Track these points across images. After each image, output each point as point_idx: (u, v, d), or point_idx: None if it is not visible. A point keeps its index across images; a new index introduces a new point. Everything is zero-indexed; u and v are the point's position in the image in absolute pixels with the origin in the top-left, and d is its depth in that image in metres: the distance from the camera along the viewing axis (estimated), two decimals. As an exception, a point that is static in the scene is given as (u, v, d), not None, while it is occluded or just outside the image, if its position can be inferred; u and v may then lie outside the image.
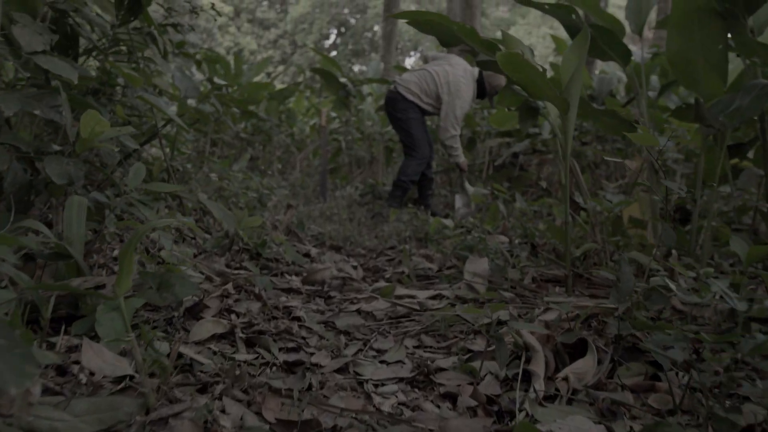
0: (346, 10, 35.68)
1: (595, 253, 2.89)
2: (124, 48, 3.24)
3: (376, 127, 7.34)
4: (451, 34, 2.94)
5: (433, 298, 2.28)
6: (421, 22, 2.87)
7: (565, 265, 2.55)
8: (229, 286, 2.03)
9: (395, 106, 5.40)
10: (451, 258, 2.92)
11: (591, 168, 6.55)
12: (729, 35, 2.47)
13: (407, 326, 1.95)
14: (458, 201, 5.55)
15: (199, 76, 9.44)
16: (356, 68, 34.88)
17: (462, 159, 5.48)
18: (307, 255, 3.04)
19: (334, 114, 8.24)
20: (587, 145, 6.65)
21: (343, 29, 36.60)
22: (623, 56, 2.96)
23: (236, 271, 2.29)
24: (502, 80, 5.43)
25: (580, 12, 2.97)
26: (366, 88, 7.50)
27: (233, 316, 1.88)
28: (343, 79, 7.05)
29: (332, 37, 36.93)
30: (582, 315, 1.64)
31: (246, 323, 1.83)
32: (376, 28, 34.81)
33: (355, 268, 2.79)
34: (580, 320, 1.64)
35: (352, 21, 36.13)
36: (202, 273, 2.21)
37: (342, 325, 1.92)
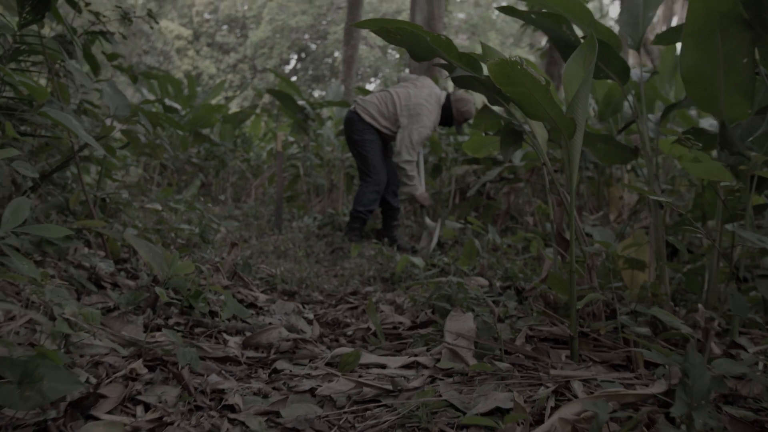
0: (306, 36, 35.36)
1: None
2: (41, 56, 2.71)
3: (336, 153, 6.87)
4: (423, 46, 2.49)
5: (408, 367, 1.79)
6: (390, 30, 2.41)
7: (567, 323, 2.10)
8: (138, 365, 1.50)
9: (352, 128, 4.96)
10: (426, 309, 2.44)
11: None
12: (756, 48, 2.08)
13: (377, 416, 1.46)
14: (423, 239, 5.09)
15: (143, 95, 8.88)
16: (316, 93, 34.51)
17: (419, 190, 5.05)
18: (253, 305, 2.52)
19: (292, 139, 7.75)
20: (558, 173, 6.27)
21: (303, 54, 36.25)
22: (621, 73, 2.54)
23: (155, 337, 1.77)
24: (471, 107, 5.02)
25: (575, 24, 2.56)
26: (326, 112, 7.04)
27: (139, 409, 1.36)
28: (301, 102, 6.59)
29: (292, 62, 36.53)
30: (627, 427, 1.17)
31: (156, 421, 1.31)
32: (337, 54, 34.53)
33: (310, 322, 2.29)
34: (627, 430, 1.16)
35: (313, 47, 35.82)
36: (113, 340, 1.68)
37: (290, 418, 1.42)
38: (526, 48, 27.65)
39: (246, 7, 35.10)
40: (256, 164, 8.53)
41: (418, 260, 3.26)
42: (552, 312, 2.65)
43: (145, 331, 1.85)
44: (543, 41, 11.03)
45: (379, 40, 32.57)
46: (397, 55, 33.66)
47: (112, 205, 3.17)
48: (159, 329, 1.93)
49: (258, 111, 8.75)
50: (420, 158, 5.11)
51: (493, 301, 2.66)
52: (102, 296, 2.17)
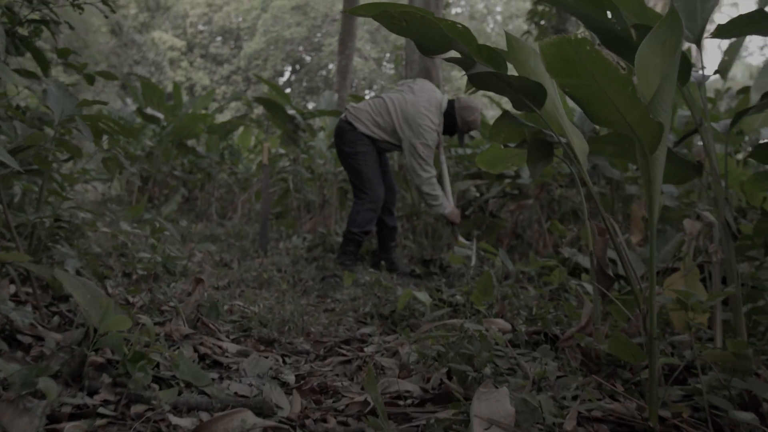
0: (301, 48, 34.93)
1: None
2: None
3: (328, 166, 6.33)
4: (435, 35, 1.98)
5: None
6: (394, 16, 1.88)
7: (636, 403, 1.56)
8: None
9: (343, 138, 4.42)
10: (440, 369, 1.89)
11: (571, 219, 5.66)
12: None
13: None
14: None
15: (125, 105, 8.33)
16: (310, 105, 34.02)
17: (447, 208, 4.48)
18: (217, 363, 1.97)
19: (282, 151, 7.21)
20: (563, 188, 5.77)
21: (297, 66, 35.82)
22: (680, 72, 2.02)
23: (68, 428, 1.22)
24: (478, 117, 4.49)
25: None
26: (318, 122, 6.51)
27: None
28: (291, 111, 6.06)
29: (287, 74, 36.09)
30: None
31: None
32: (331, 66, 34.08)
33: (289, 392, 1.74)
34: None
35: (307, 59, 35.40)
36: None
37: None
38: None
39: (240, 19, 34.67)
40: (244, 177, 7.99)
41: (422, 296, 2.71)
42: (591, 362, 2.12)
43: (48, 423, 1.29)
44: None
45: (374, 52, 32.15)
46: (392, 69, 33.27)
47: (58, 230, 2.61)
48: (75, 415, 1.38)
49: (247, 121, 8.21)
50: (443, 168, 4.58)
51: (519, 353, 2.12)
52: (8, 358, 1.62)
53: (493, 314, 2.60)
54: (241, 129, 8.94)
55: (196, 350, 2.00)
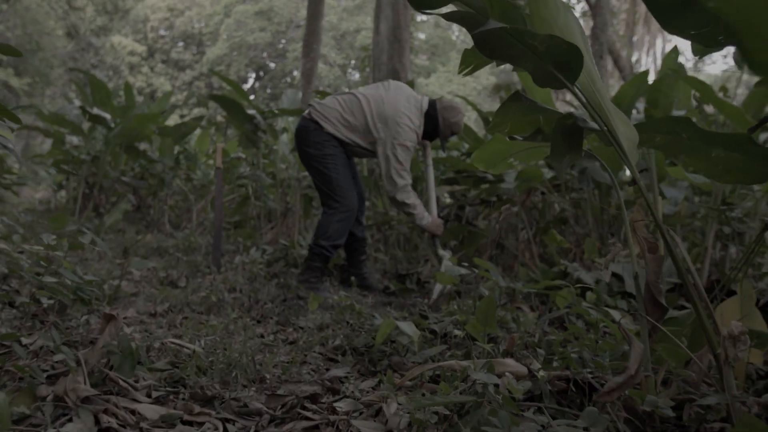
0: (265, 54, 34.18)
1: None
2: None
3: (291, 171, 5.74)
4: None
5: None
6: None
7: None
8: None
9: (307, 139, 3.81)
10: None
11: (572, 228, 5.16)
12: None
13: None
14: (437, 289, 3.98)
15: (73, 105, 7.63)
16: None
17: (426, 219, 3.90)
18: (125, 443, 1.36)
19: (243, 155, 6.58)
20: (547, 195, 5.27)
21: (261, 73, 35.05)
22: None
23: None
24: (461, 118, 3.94)
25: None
26: (280, 123, 5.90)
27: None
28: (251, 111, 5.44)
29: (250, 81, 35.27)
30: None
31: None
32: (296, 72, 33.39)
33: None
34: None
35: (272, 65, 34.67)
36: None
37: None
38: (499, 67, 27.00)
39: (203, 24, 33.80)
40: (201, 184, 7.33)
41: (408, 327, 2.14)
42: (641, 423, 1.58)
43: None
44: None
45: (339, 58, 31.59)
46: (358, 75, 32.70)
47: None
48: None
49: (204, 123, 7.56)
50: (429, 174, 4.00)
51: (538, 407, 1.56)
52: None
53: (500, 352, 2.04)
54: (198, 132, 8.29)
55: (97, 420, 1.39)
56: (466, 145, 5.64)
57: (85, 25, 22.46)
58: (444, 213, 5.91)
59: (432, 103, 3.93)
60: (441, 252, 3.90)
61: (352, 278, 4.06)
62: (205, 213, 6.32)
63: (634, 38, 22.35)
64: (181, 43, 34.53)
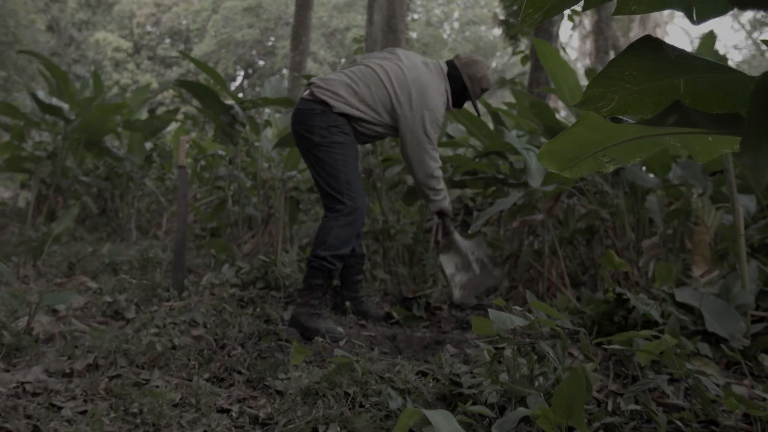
0: (254, 52, 33.23)
1: None
2: None
3: (275, 170, 4.91)
4: None
5: None
6: None
7: None
8: None
9: (311, 124, 2.96)
10: None
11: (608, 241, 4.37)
12: None
13: None
14: (448, 265, 3.26)
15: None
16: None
17: (446, 203, 3.23)
18: None
19: (222, 152, 5.73)
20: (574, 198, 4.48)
21: (250, 71, 34.10)
22: None
23: None
24: (488, 71, 3.22)
25: None
26: (264, 114, 5.06)
27: None
28: (229, 101, 4.61)
29: (239, 79, 34.31)
30: None
31: None
32: (285, 71, 32.46)
33: None
34: None
35: (261, 63, 33.72)
36: None
37: None
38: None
39: (190, 20, 32.80)
40: (175, 185, 6.48)
41: (442, 419, 1.33)
42: None
43: None
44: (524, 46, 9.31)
45: (329, 56, 30.71)
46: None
47: None
48: None
49: (180, 117, 6.71)
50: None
51: None
52: None
53: None
54: (174, 127, 7.44)
55: None
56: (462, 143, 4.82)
57: (66, 18, 21.44)
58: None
59: (450, 64, 3.22)
60: (458, 238, 3.30)
61: (347, 303, 3.24)
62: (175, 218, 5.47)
63: (631, 34, 21.65)
64: (168, 40, 33.51)
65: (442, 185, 3.16)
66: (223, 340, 2.48)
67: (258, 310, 3.02)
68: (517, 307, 1.90)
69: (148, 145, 6.64)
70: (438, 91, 3.02)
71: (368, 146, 4.34)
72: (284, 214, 4.79)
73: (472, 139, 4.88)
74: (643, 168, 4.17)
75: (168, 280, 3.38)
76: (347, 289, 3.35)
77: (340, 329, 2.79)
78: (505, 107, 5.57)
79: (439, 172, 3.11)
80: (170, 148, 7.24)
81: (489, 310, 1.78)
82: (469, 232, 3.34)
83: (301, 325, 2.80)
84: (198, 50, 31.33)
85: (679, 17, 31.60)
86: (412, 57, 3.11)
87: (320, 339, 2.64)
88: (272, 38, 32.73)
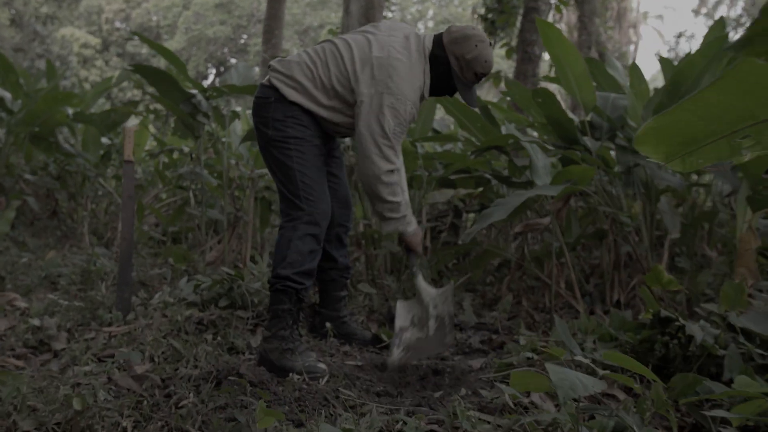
0: (225, 49, 32.39)
1: None
2: None
3: (244, 168, 4.33)
4: None
5: None
6: None
7: None
8: None
9: (265, 115, 2.42)
10: None
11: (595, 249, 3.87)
12: None
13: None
14: (402, 316, 2.61)
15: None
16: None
17: (412, 226, 2.57)
18: None
19: (187, 148, 5.13)
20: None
21: (222, 69, 33.25)
22: None
23: None
24: (484, 49, 2.49)
25: None
26: (231, 104, 4.47)
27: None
28: (192, 90, 4.03)
29: (211, 77, 33.44)
30: None
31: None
32: (257, 69, 31.72)
33: None
34: None
35: (233, 60, 32.88)
36: None
37: None
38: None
39: (160, 16, 31.85)
40: (135, 185, 5.86)
41: None
42: None
43: None
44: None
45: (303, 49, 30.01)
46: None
47: None
48: None
49: (141, 109, 6.08)
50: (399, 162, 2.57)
51: None
52: None
53: None
54: (135, 121, 6.79)
55: None
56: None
57: (29, 12, 20.47)
58: (433, 224, 4.59)
59: (437, 40, 2.51)
60: (421, 283, 2.59)
61: (327, 325, 2.69)
62: (137, 222, 4.85)
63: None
64: (137, 36, 32.52)
65: (398, 198, 2.45)
66: (172, 383, 1.91)
67: (219, 336, 2.45)
68: (581, 357, 1.36)
69: (106, 141, 6.01)
70: (411, 75, 2.39)
71: (348, 140, 3.79)
72: (253, 217, 4.22)
73: (464, 133, 4.36)
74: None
75: (113, 297, 2.79)
76: (328, 307, 2.80)
77: (321, 365, 2.24)
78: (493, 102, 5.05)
79: (391, 178, 2.40)
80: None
81: (548, 366, 1.23)
82: (460, 240, 2.75)
83: (271, 363, 2.24)
84: (168, 47, 30.43)
85: (652, 18, 31.56)
86: (396, 30, 2.50)
87: (296, 376, 2.10)
88: (244, 36, 31.95)
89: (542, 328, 3.25)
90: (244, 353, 2.43)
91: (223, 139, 4.42)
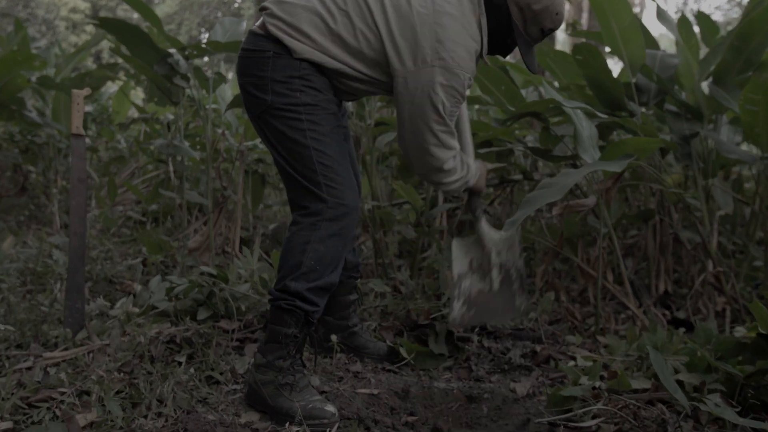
0: (219, 13, 31.33)
1: None
2: None
3: (232, 139, 3.72)
4: None
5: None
6: None
7: None
8: None
9: (260, 74, 1.77)
10: None
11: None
12: None
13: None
14: (459, 258, 2.15)
15: None
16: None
17: (472, 177, 2.08)
18: None
19: (171, 116, 4.50)
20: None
21: (215, 33, 32.20)
22: None
23: None
24: (559, 3, 1.89)
25: None
26: (217, 65, 3.82)
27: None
28: (171, 50, 3.39)
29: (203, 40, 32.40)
30: None
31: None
32: (245, 24, 30.61)
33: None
34: None
35: (226, 25, 31.83)
36: None
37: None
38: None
39: (150, -21, 30.69)
40: (112, 158, 5.24)
41: None
42: None
43: None
44: None
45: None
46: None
47: None
48: None
49: (118, 73, 5.43)
50: (463, 108, 2.07)
51: None
52: None
53: None
54: (114, 88, 6.15)
55: None
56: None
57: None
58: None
59: None
60: (484, 227, 2.18)
61: (333, 337, 2.12)
62: (111, 200, 4.24)
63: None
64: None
65: (457, 175, 1.97)
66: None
67: (196, 360, 1.89)
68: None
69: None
70: (466, 34, 1.78)
71: (351, 105, 3.18)
72: (243, 195, 3.64)
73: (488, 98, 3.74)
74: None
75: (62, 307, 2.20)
76: (334, 314, 2.22)
77: (329, 407, 1.67)
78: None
79: (451, 163, 1.91)
80: (110, 113, 5.96)
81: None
82: (503, 231, 2.20)
83: (264, 402, 1.68)
84: (159, 12, 29.35)
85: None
86: None
87: (295, 428, 1.54)
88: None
89: (588, 329, 2.71)
90: (227, 384, 1.87)
91: (208, 106, 3.78)
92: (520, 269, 2.27)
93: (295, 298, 1.72)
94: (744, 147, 3.92)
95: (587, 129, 2.68)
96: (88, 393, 1.61)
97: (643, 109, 3.12)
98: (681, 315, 3.02)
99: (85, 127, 5.06)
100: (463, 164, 1.98)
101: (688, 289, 3.33)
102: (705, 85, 3.13)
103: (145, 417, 1.53)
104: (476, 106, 4.05)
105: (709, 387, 1.61)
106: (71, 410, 1.52)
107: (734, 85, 2.90)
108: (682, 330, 2.33)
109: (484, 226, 2.20)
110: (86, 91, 2.11)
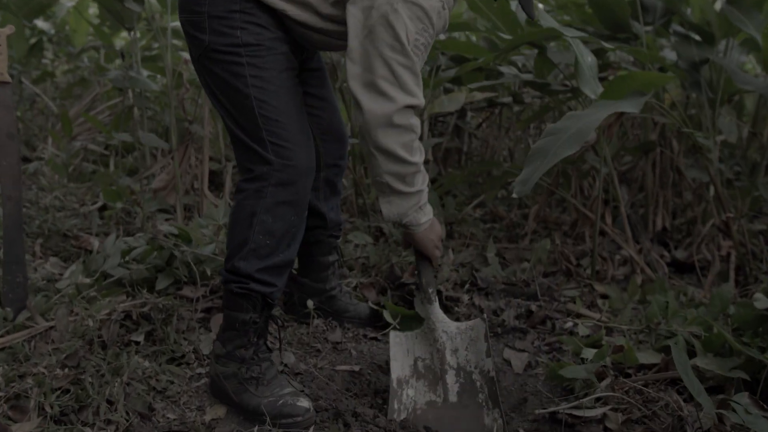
0: None
1: None
2: None
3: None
4: None
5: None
6: None
7: None
8: None
9: (196, 11, 1.45)
10: None
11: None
12: None
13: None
14: (399, 361, 1.63)
15: None
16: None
17: (424, 216, 1.58)
18: None
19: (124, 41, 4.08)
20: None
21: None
22: None
23: None
24: None
25: None
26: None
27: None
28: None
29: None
30: None
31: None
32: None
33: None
34: None
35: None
36: None
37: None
38: None
39: None
40: (71, 83, 4.84)
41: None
42: None
43: None
44: None
45: None
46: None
47: None
48: None
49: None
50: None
51: None
52: None
53: None
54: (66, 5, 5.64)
55: None
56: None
57: None
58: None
59: None
60: (433, 309, 1.65)
61: (310, 303, 1.91)
62: (67, 134, 3.88)
63: None
64: None
65: (416, 158, 1.50)
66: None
67: (155, 338, 1.67)
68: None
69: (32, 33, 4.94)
70: None
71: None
72: (213, 125, 3.33)
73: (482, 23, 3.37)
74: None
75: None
76: (311, 276, 1.99)
77: (302, 402, 1.47)
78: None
79: (408, 120, 1.45)
80: (68, 33, 5.50)
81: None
82: (514, 194, 1.76)
83: (228, 397, 1.48)
84: None
85: None
86: None
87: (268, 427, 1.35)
88: None
89: (584, 270, 2.52)
90: (189, 364, 1.66)
91: (168, 25, 3.38)
92: (489, 374, 1.59)
93: (248, 280, 1.47)
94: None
95: (588, 59, 2.38)
96: (26, 395, 1.39)
97: (648, 29, 2.81)
98: (680, 254, 2.84)
99: (40, 51, 4.66)
100: (424, 173, 1.56)
101: (686, 224, 3.15)
102: (717, 5, 2.82)
103: (92, 426, 1.32)
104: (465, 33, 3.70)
105: (729, 374, 1.43)
106: (4, 421, 1.31)
107: (751, 6, 2.58)
108: (691, 290, 2.14)
109: (438, 312, 1.66)
110: (9, 28, 1.77)
